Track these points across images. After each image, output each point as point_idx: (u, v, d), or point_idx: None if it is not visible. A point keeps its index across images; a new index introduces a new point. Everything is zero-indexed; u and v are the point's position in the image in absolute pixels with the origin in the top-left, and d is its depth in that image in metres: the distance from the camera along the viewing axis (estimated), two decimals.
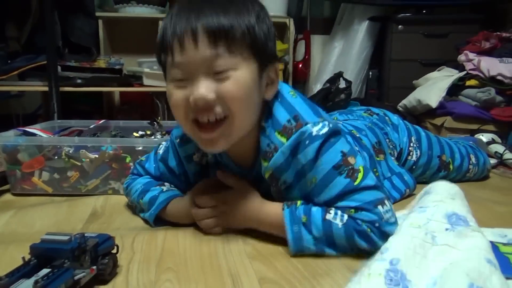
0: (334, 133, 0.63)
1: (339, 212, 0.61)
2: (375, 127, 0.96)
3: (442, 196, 0.58)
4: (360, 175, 0.61)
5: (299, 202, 0.65)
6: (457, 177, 1.07)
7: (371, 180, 0.62)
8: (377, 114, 1.03)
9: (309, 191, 0.65)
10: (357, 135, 0.88)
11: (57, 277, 0.45)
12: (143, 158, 0.85)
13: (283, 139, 0.63)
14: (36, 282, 0.44)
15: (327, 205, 0.63)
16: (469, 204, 0.88)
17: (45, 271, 0.47)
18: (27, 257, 0.50)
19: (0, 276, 0.45)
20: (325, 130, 0.61)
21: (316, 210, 0.62)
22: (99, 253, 0.53)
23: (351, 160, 0.62)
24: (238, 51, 0.58)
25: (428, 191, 0.62)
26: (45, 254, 0.49)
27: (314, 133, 0.61)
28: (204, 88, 0.57)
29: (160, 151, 0.81)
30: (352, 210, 0.60)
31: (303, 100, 0.66)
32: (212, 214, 0.69)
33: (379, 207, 0.60)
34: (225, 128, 0.61)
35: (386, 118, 1.03)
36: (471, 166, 1.07)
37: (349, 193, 0.61)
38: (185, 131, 0.66)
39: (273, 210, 0.66)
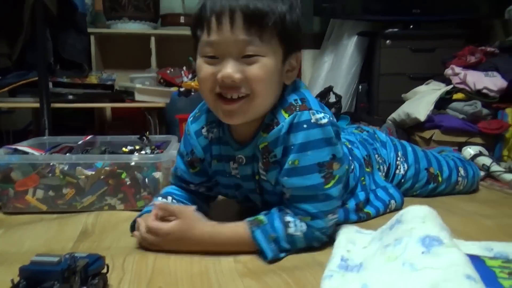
0: (336, 134, 0.69)
1: (297, 223, 0.68)
2: (365, 142, 1.00)
3: (413, 223, 0.60)
4: (332, 182, 0.68)
5: (263, 220, 0.68)
6: (447, 189, 1.09)
7: (336, 191, 0.69)
8: (367, 131, 1.08)
9: (285, 168, 0.68)
10: (349, 146, 0.92)
11: None
12: None
13: (286, 116, 0.68)
14: None
15: (291, 196, 0.69)
16: (457, 218, 0.90)
17: None
18: (16, 279, 0.49)
19: None
20: (325, 121, 0.66)
21: (277, 225, 0.67)
22: (89, 274, 0.53)
23: (335, 166, 0.68)
24: (268, 39, 0.63)
25: (399, 220, 0.64)
26: (34, 276, 0.49)
27: (313, 120, 0.66)
28: (233, 69, 0.63)
29: None
30: (309, 217, 0.68)
31: (312, 96, 0.72)
32: (162, 243, 0.69)
33: (329, 216, 0.70)
34: (244, 104, 0.66)
35: (375, 135, 1.07)
36: (460, 179, 1.09)
37: (314, 194, 0.67)
38: (208, 103, 0.71)
39: (231, 230, 0.69)
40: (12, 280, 0.49)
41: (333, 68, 2.36)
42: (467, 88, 1.68)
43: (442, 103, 1.73)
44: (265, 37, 0.63)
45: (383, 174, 1.00)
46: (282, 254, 0.68)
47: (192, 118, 0.81)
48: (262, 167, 0.73)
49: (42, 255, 0.51)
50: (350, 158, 0.87)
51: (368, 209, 0.89)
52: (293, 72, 0.71)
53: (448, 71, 1.78)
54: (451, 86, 1.74)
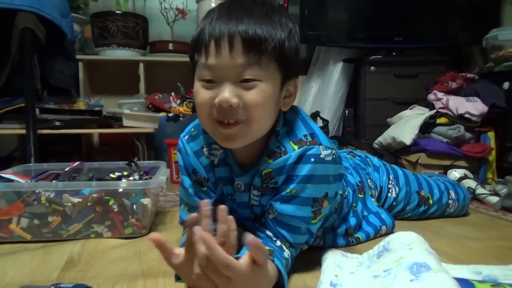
0: (339, 175, 0.71)
1: (285, 249, 0.69)
2: (358, 167, 1.02)
3: (400, 252, 0.62)
4: (318, 218, 0.70)
5: (269, 247, 0.66)
6: (438, 212, 1.10)
7: (317, 227, 0.72)
8: (359, 156, 1.09)
9: (281, 195, 0.69)
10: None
11: None
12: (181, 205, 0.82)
13: (295, 147, 0.68)
14: None
15: (275, 219, 0.69)
16: (445, 241, 0.91)
17: None
18: None
19: None
20: (330, 158, 0.68)
21: (280, 251, 0.67)
22: None
23: (325, 204, 0.70)
24: (266, 64, 0.63)
25: (387, 247, 0.66)
26: None
27: (321, 156, 0.67)
28: (230, 93, 0.62)
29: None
30: (287, 244, 0.70)
31: (319, 128, 0.73)
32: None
33: (302, 246, 0.74)
34: (242, 128, 0.65)
35: (368, 159, 1.09)
36: (450, 201, 1.11)
37: (298, 227, 0.69)
38: (205, 127, 0.70)
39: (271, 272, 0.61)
40: None
41: (320, 93, 2.41)
42: (449, 112, 1.73)
43: (427, 127, 1.78)
44: (263, 62, 0.62)
45: (375, 198, 1.01)
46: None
47: (187, 136, 0.78)
48: (258, 192, 0.73)
49: (27, 287, 0.50)
50: (344, 184, 0.88)
51: (359, 234, 0.90)
52: (291, 98, 0.71)
53: (431, 96, 1.84)
54: (435, 110, 1.79)
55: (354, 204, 0.91)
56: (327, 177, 0.68)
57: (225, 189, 0.78)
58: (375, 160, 1.10)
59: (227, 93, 0.61)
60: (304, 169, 0.66)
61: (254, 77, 0.62)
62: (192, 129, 0.79)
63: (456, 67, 2.02)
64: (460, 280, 0.56)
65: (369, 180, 1.01)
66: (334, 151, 0.69)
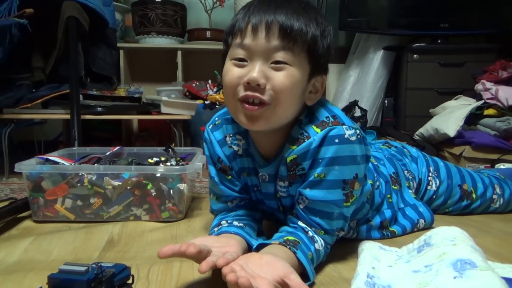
0: (366, 155, 0.69)
1: (317, 238, 0.68)
2: (394, 158, 0.98)
3: (443, 247, 0.59)
4: (351, 201, 0.69)
5: (296, 239, 0.66)
6: (481, 207, 1.05)
7: (350, 210, 0.71)
8: (396, 147, 1.05)
9: (309, 180, 0.68)
10: (375, 163, 0.90)
11: None
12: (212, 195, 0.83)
13: (318, 130, 0.67)
14: None
15: (307, 208, 0.68)
16: (491, 238, 0.86)
17: None
18: (45, 286, 0.50)
19: None
20: (355, 138, 0.66)
21: (309, 243, 0.66)
22: (115, 284, 0.53)
23: (356, 185, 0.68)
24: (298, 53, 0.65)
25: (428, 242, 0.63)
26: (62, 285, 0.50)
27: (346, 136, 0.66)
28: (260, 73, 0.63)
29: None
30: (322, 232, 0.69)
31: (341, 111, 0.72)
32: None
33: (338, 233, 0.72)
34: (266, 110, 0.65)
35: (405, 150, 1.04)
36: (495, 196, 1.05)
37: (330, 212, 0.68)
38: (229, 107, 0.70)
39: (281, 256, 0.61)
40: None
41: (359, 82, 2.34)
42: (499, 104, 1.63)
43: (473, 118, 1.69)
44: (295, 50, 0.64)
45: (414, 190, 0.97)
46: (315, 274, 0.64)
47: (212, 125, 0.80)
48: (284, 183, 0.72)
49: (70, 264, 0.52)
50: (375, 174, 0.85)
51: (394, 228, 0.87)
52: (316, 95, 0.71)
53: (478, 86, 1.74)
54: (482, 101, 1.69)
55: (389, 195, 0.88)
56: (354, 157, 0.67)
57: (250, 180, 0.78)
58: (413, 150, 1.05)
59: (256, 72, 0.63)
60: (329, 151, 0.66)
61: (285, 60, 0.63)
62: (216, 118, 0.80)
63: (508, 56, 1.90)
64: (508, 280, 0.52)
65: (406, 171, 0.97)
66: (358, 131, 0.68)
